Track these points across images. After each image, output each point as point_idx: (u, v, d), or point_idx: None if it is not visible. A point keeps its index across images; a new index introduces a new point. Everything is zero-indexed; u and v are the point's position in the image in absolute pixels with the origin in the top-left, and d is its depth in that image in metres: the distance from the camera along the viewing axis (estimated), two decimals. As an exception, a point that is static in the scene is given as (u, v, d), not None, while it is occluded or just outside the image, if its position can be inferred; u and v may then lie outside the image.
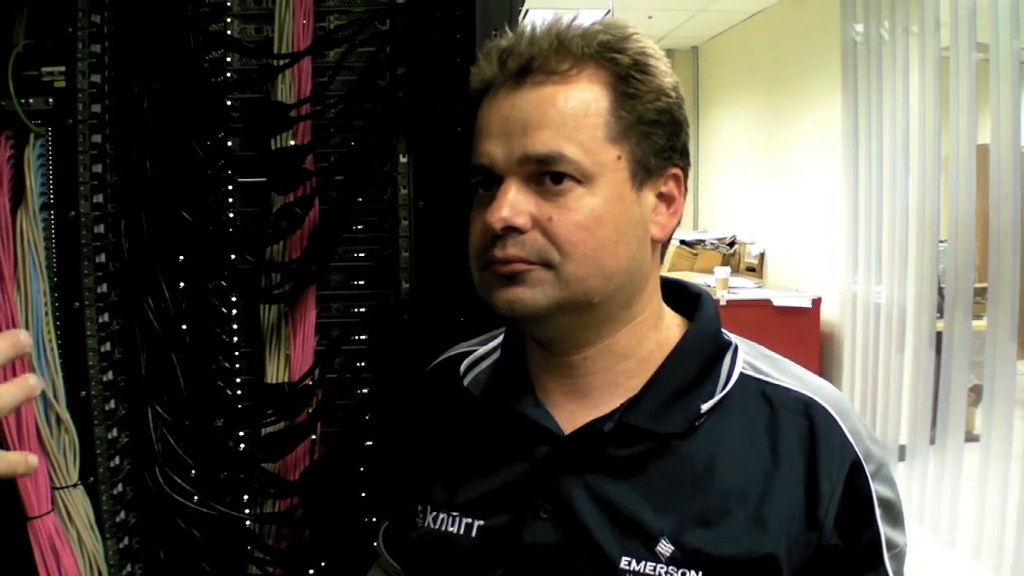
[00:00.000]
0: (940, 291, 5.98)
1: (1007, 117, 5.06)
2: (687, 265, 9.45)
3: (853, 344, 7.23)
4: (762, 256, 9.42)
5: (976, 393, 5.75)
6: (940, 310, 5.98)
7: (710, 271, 8.36)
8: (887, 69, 6.49)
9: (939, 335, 5.96)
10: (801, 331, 7.48)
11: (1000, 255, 5.17)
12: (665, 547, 1.20)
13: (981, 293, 5.55)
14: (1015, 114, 5.04)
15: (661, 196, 1.29)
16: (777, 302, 7.54)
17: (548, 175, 1.21)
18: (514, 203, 1.21)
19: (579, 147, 1.20)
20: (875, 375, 6.86)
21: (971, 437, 5.78)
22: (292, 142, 1.81)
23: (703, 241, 9.82)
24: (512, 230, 1.21)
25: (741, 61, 10.36)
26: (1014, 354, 5.18)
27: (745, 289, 8.11)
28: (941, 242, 5.94)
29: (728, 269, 8.28)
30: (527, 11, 2.12)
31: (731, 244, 9.78)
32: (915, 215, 6.17)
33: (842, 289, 7.35)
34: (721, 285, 7.67)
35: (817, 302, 7.59)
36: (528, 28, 1.27)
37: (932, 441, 6.01)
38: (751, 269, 9.43)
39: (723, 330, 1.37)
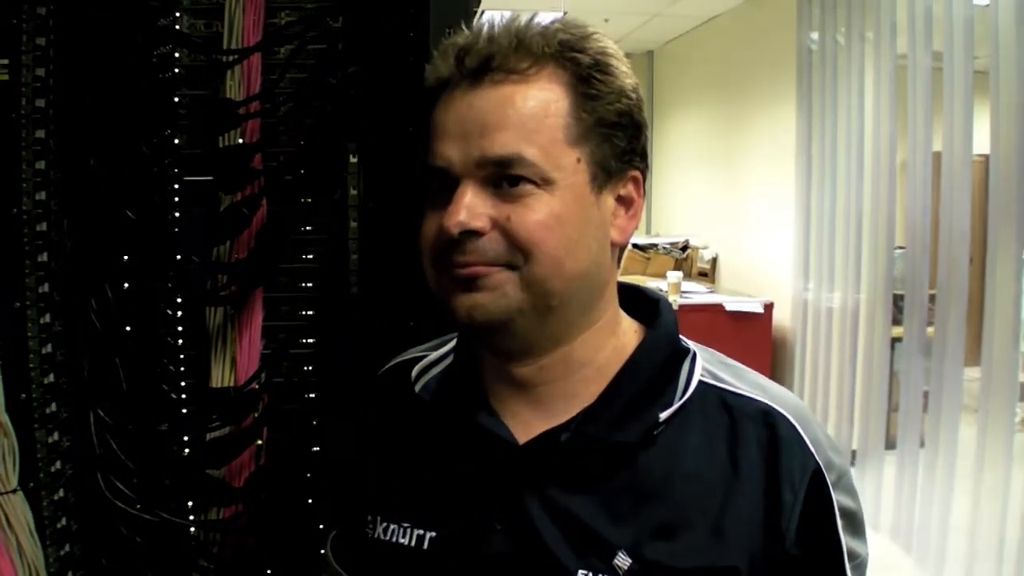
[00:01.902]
0: (894, 297, 6.03)
1: (960, 125, 5.11)
2: (639, 269, 9.46)
3: (804, 349, 7.29)
4: (715, 261, 9.46)
5: (926, 399, 5.80)
6: (893, 316, 6.02)
7: (662, 275, 8.38)
8: (842, 76, 6.55)
9: (892, 340, 6.02)
10: (753, 336, 7.51)
11: (950, 262, 5.20)
12: (623, 560, 1.18)
13: (931, 299, 5.60)
14: (967, 123, 5.09)
15: (620, 199, 1.27)
16: (729, 307, 7.56)
17: (506, 178, 1.18)
18: (471, 206, 1.18)
19: (539, 149, 1.18)
20: (827, 380, 6.92)
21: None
22: (240, 140, 1.79)
23: (656, 245, 9.84)
24: (470, 234, 1.18)
25: (696, 66, 10.41)
26: (961, 360, 5.22)
27: (697, 294, 8.13)
28: (898, 248, 5.98)
29: (680, 274, 8.30)
30: (483, 11, 2.10)
31: (684, 248, 9.80)
32: (870, 221, 6.22)
33: (794, 294, 7.40)
34: (673, 290, 7.68)
35: (769, 307, 7.63)
36: (486, 26, 1.24)
37: (890, 446, 6.05)
38: (703, 274, 9.47)
39: (681, 337, 1.35)
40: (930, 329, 5.55)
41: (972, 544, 5.01)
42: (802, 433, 1.23)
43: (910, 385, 5.78)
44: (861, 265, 6.38)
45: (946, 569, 5.25)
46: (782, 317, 7.67)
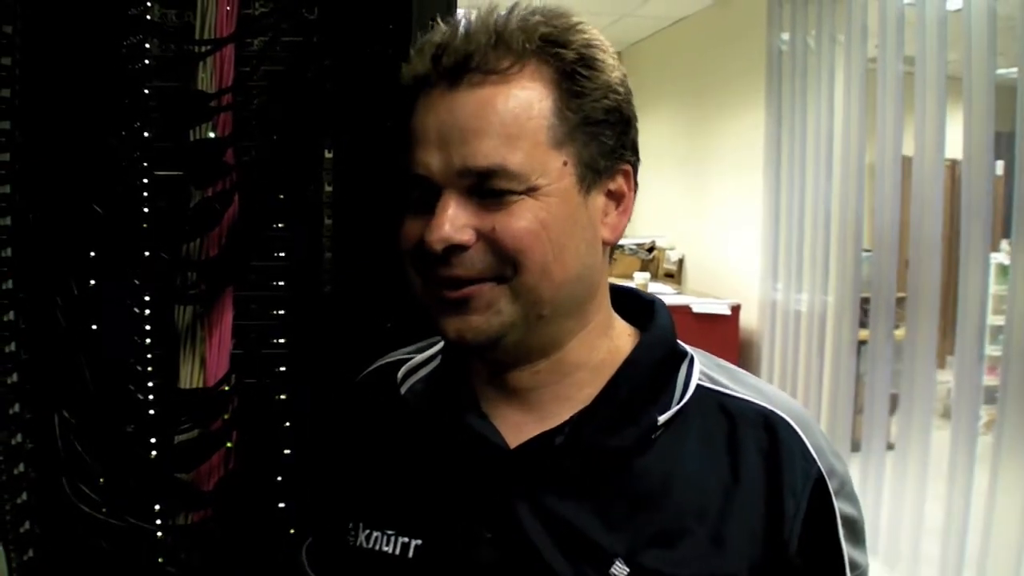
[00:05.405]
0: (861, 300, 6.05)
1: (932, 129, 5.13)
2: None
3: (771, 351, 7.32)
4: (681, 262, 9.48)
5: (893, 402, 5.82)
6: (860, 319, 6.05)
7: (629, 276, 8.41)
8: (812, 78, 6.59)
9: (859, 343, 6.04)
10: (720, 338, 7.52)
11: (921, 265, 5.21)
12: (620, 569, 1.15)
13: (899, 303, 5.62)
14: (939, 126, 5.10)
15: (610, 194, 1.23)
16: (696, 308, 7.57)
17: (489, 187, 1.14)
18: (454, 219, 1.14)
19: (522, 155, 1.13)
20: (794, 382, 6.95)
21: (888, 445, 5.85)
22: (212, 134, 1.75)
23: (622, 246, 9.82)
24: (455, 248, 1.14)
25: (665, 67, 10.43)
26: (934, 363, 5.23)
27: (664, 295, 8.11)
28: (865, 251, 6.00)
29: (647, 275, 8.35)
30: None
31: (650, 249, 9.82)
32: (838, 224, 6.24)
33: (762, 296, 7.41)
34: (640, 291, 7.69)
35: (736, 309, 7.65)
36: (463, 21, 1.19)
37: (855, 448, 6.06)
38: (670, 275, 9.49)
39: (679, 341, 1.32)
40: (898, 332, 5.58)
41: (943, 547, 5.03)
42: (804, 439, 1.20)
43: (874, 387, 5.80)
44: (829, 267, 6.40)
45: (920, 572, 5.27)
46: (749, 319, 7.69)
